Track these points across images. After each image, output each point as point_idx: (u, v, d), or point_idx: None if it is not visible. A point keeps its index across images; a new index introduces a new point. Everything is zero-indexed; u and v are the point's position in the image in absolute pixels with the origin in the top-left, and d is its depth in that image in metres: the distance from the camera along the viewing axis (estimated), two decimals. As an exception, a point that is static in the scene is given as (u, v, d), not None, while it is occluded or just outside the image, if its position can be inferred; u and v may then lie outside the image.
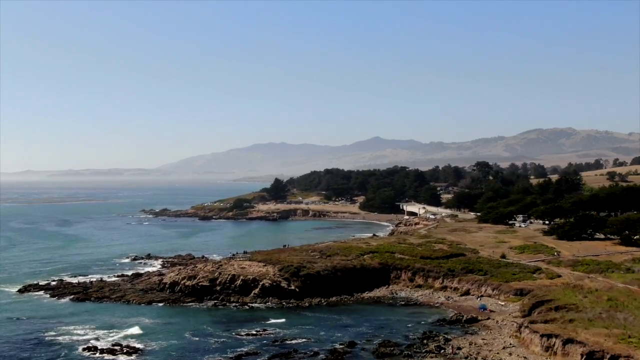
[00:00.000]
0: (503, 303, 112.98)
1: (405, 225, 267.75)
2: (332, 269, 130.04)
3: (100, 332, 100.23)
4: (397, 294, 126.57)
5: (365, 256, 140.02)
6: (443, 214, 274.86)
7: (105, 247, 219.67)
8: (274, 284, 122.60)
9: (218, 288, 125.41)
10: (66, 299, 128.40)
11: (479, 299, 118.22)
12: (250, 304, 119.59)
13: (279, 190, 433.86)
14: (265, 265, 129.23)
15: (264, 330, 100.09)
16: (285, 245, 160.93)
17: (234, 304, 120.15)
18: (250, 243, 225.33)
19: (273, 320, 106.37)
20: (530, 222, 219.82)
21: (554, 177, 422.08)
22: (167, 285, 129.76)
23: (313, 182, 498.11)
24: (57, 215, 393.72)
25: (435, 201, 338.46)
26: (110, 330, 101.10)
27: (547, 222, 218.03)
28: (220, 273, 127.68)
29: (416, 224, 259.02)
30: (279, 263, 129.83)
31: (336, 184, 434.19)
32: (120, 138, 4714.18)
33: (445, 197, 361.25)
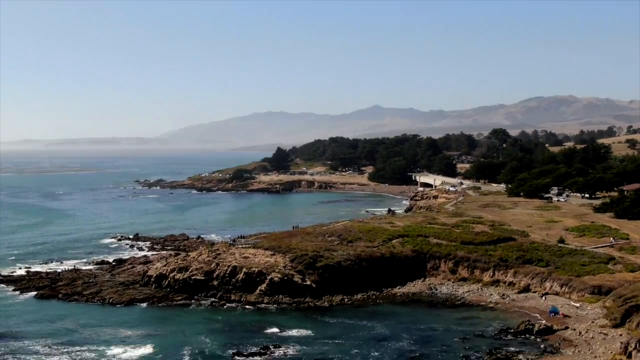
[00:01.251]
0: (578, 304, 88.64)
1: (422, 198, 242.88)
2: (356, 258, 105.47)
3: (57, 350, 75.90)
4: (436, 290, 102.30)
5: (394, 241, 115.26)
6: (463, 186, 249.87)
7: (89, 225, 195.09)
8: (285, 278, 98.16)
9: (215, 283, 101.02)
10: (29, 295, 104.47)
11: (543, 297, 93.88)
12: (256, 304, 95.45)
13: (281, 160, 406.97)
14: (273, 254, 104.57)
15: (277, 347, 75.78)
16: (294, 227, 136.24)
17: (235, 304, 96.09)
18: (252, 219, 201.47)
19: (288, 332, 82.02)
20: (567, 196, 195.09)
21: (569, 145, 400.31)
22: (152, 279, 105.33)
23: (317, 152, 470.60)
24: (46, 187, 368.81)
25: (450, 171, 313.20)
26: (71, 348, 76.66)
27: (587, 195, 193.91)
28: (218, 264, 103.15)
29: (434, 197, 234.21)
30: (291, 251, 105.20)
31: (342, 153, 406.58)
32: (119, 106, 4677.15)
33: (461, 167, 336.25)
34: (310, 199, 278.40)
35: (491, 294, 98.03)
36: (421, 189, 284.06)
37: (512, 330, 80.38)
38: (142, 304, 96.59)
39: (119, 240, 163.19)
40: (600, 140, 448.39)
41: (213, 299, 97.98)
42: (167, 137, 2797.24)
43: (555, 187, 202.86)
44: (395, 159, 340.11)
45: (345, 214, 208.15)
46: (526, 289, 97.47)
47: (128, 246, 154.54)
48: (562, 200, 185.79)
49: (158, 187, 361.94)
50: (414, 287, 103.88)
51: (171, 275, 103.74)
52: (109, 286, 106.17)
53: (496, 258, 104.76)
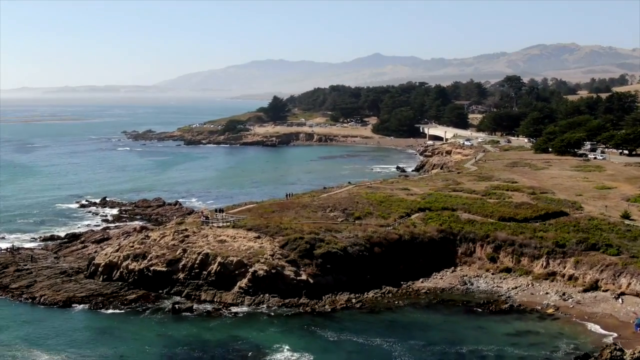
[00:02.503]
0: (672, 314, 64.39)
1: (434, 154, 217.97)
2: (366, 242, 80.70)
3: None
4: (472, 284, 77.90)
5: (413, 217, 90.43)
6: (479, 140, 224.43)
7: (54, 185, 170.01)
8: (273, 271, 73.58)
9: (181, 276, 76.50)
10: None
11: (619, 299, 69.53)
12: (233, 308, 71.13)
13: (278, 110, 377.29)
14: (258, 237, 79.76)
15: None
16: (288, 195, 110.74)
17: (206, 306, 71.78)
18: (241, 180, 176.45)
19: (274, 358, 57.99)
20: (603, 152, 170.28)
21: (584, 94, 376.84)
22: (99, 269, 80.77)
23: (317, 101, 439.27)
24: (25, 138, 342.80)
25: (462, 123, 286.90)
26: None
27: (625, 152, 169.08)
28: (185, 250, 78.39)
29: (448, 152, 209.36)
30: (281, 233, 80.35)
31: (343, 102, 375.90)
32: (118, 55, 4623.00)
33: (472, 117, 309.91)
34: (309, 154, 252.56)
35: (547, 293, 73.60)
36: (430, 142, 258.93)
37: (590, 359, 56.18)
38: (81, 306, 72.26)
39: (83, 205, 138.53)
40: (615, 89, 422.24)
41: (177, 299, 73.64)
42: (165, 85, 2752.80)
43: (588, 142, 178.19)
44: (402, 109, 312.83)
45: (348, 172, 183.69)
46: (594, 287, 72.91)
47: (91, 214, 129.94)
48: (600, 158, 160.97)
49: (145, 139, 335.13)
50: (443, 280, 79.52)
51: (124, 264, 79.15)
52: (46, 276, 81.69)
53: (550, 242, 79.81)
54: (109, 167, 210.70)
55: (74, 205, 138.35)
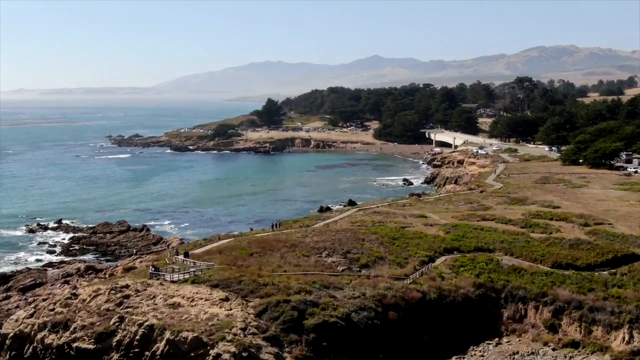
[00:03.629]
0: None
1: (444, 164, 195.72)
2: (377, 304, 58.00)
3: None
4: (526, 366, 55.39)
5: (438, 263, 67.92)
6: (494, 147, 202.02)
7: (10, 202, 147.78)
8: (245, 354, 50.74)
9: (115, 357, 53.77)
10: None
11: None
12: (186, 410, 48.56)
13: (272, 113, 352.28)
14: (226, 300, 57.05)
15: None
16: (274, 225, 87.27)
17: (147, 406, 49.21)
18: (225, 196, 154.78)
19: None
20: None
21: (594, 96, 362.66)
22: (6, 342, 58.16)
23: (314, 104, 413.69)
24: (3, 144, 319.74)
25: (471, 128, 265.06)
26: None
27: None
28: (122, 319, 55.69)
29: (459, 162, 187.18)
30: (258, 292, 57.72)
31: (343, 105, 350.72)
32: (116, 57, 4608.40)
33: (481, 121, 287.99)
34: (305, 163, 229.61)
35: (637, 386, 51.18)
36: (438, 149, 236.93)
37: None
38: (-36, 408, 49.90)
39: (32, 231, 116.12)
40: (627, 91, 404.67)
41: (106, 394, 51.14)
42: (163, 86, 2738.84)
43: (624, 153, 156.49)
44: (405, 112, 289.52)
45: (348, 186, 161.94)
46: None
47: (37, 243, 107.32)
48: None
49: (129, 145, 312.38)
50: (484, 358, 56.91)
51: (39, 336, 56.49)
52: (-63, 349, 59.12)
53: (632, 304, 57.20)
54: (79, 179, 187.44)
55: (20, 232, 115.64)
